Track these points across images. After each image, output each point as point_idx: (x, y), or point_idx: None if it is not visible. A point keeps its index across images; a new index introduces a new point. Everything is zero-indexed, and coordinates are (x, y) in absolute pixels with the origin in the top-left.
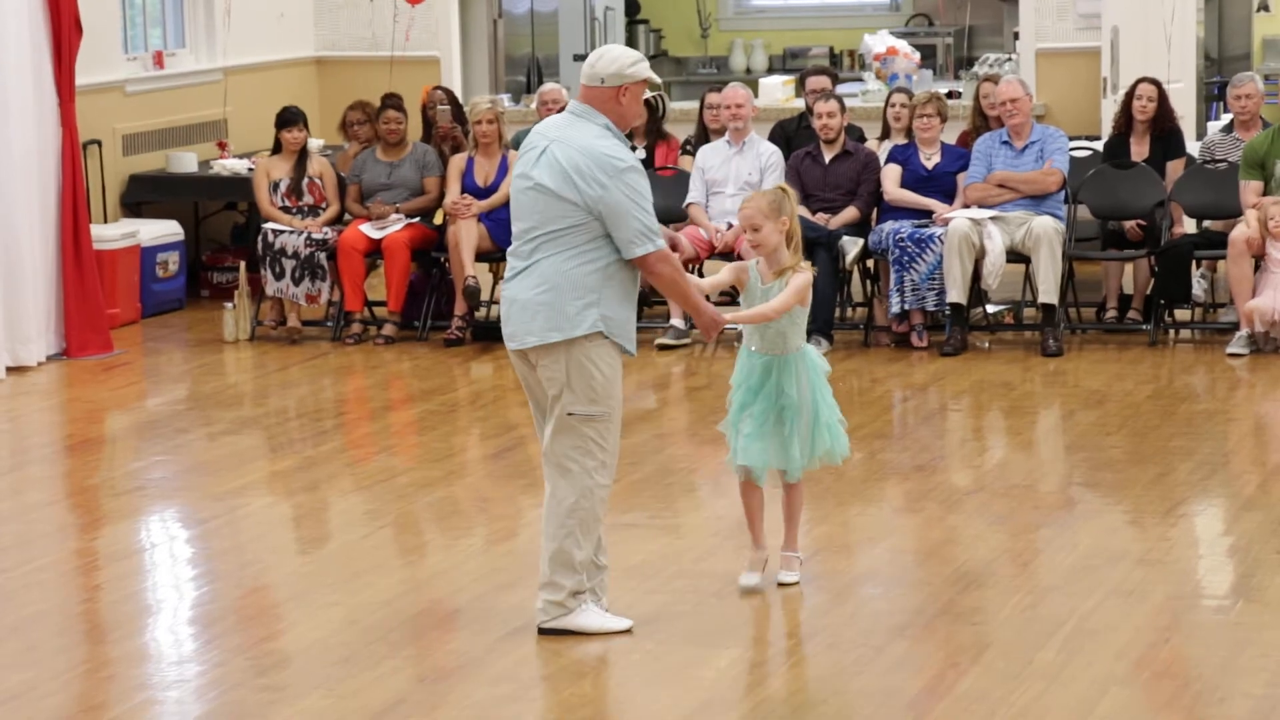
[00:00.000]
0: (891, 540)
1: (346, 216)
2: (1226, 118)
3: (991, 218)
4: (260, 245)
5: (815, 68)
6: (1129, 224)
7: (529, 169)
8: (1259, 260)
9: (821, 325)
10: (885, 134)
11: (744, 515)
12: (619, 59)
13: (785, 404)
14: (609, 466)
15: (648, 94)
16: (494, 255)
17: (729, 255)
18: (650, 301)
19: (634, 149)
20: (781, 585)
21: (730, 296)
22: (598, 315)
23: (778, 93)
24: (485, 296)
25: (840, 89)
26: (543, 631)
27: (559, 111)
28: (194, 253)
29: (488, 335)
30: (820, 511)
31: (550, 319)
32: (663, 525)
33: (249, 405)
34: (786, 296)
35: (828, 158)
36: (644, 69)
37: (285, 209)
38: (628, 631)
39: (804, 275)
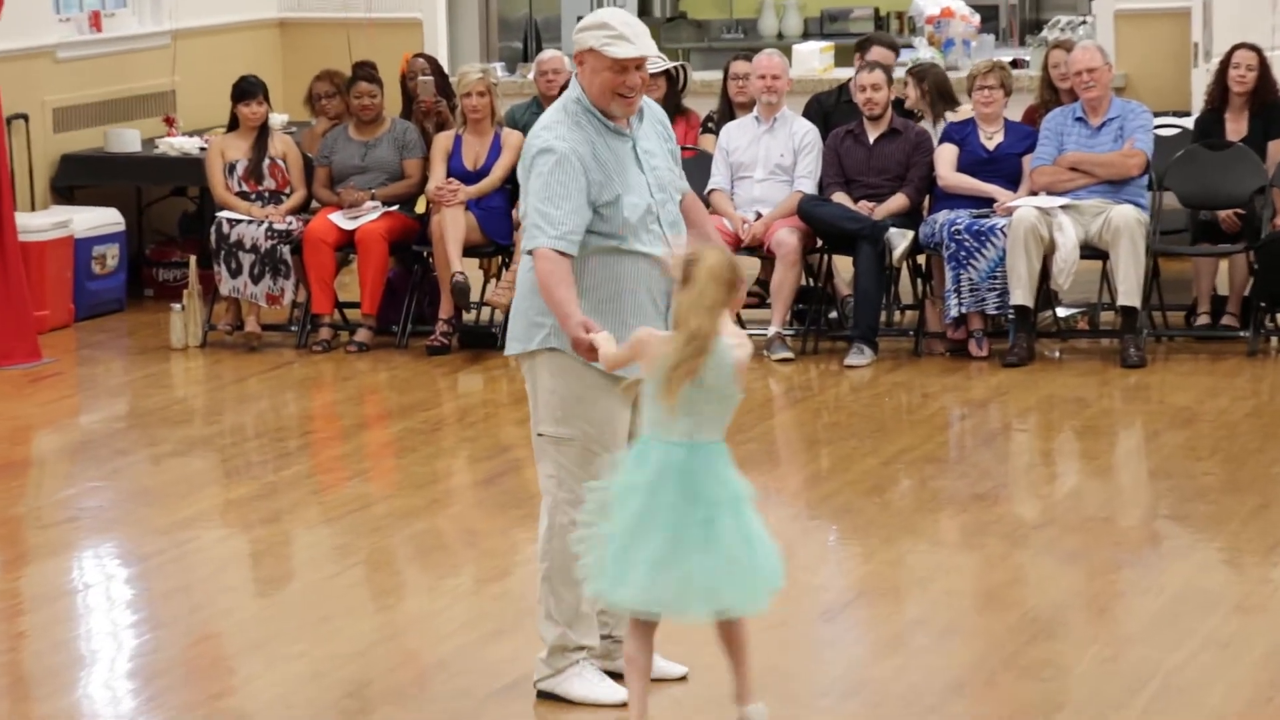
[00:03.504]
0: (946, 581)
1: (314, 204)
2: None
3: (1063, 206)
4: (214, 237)
5: (878, 36)
6: (1224, 214)
7: None
8: None
9: (865, 331)
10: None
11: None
12: (581, 23)
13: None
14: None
15: (657, 67)
16: (484, 249)
17: (757, 249)
18: None
19: (619, 130)
20: None
21: (760, 297)
22: (550, 329)
23: (814, 61)
24: (475, 297)
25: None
26: (539, 693)
27: (560, 83)
28: (136, 246)
29: (477, 342)
30: (864, 548)
31: (512, 325)
32: None
33: (200, 423)
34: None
35: (872, 137)
36: (594, 37)
37: (243, 195)
38: (622, 706)
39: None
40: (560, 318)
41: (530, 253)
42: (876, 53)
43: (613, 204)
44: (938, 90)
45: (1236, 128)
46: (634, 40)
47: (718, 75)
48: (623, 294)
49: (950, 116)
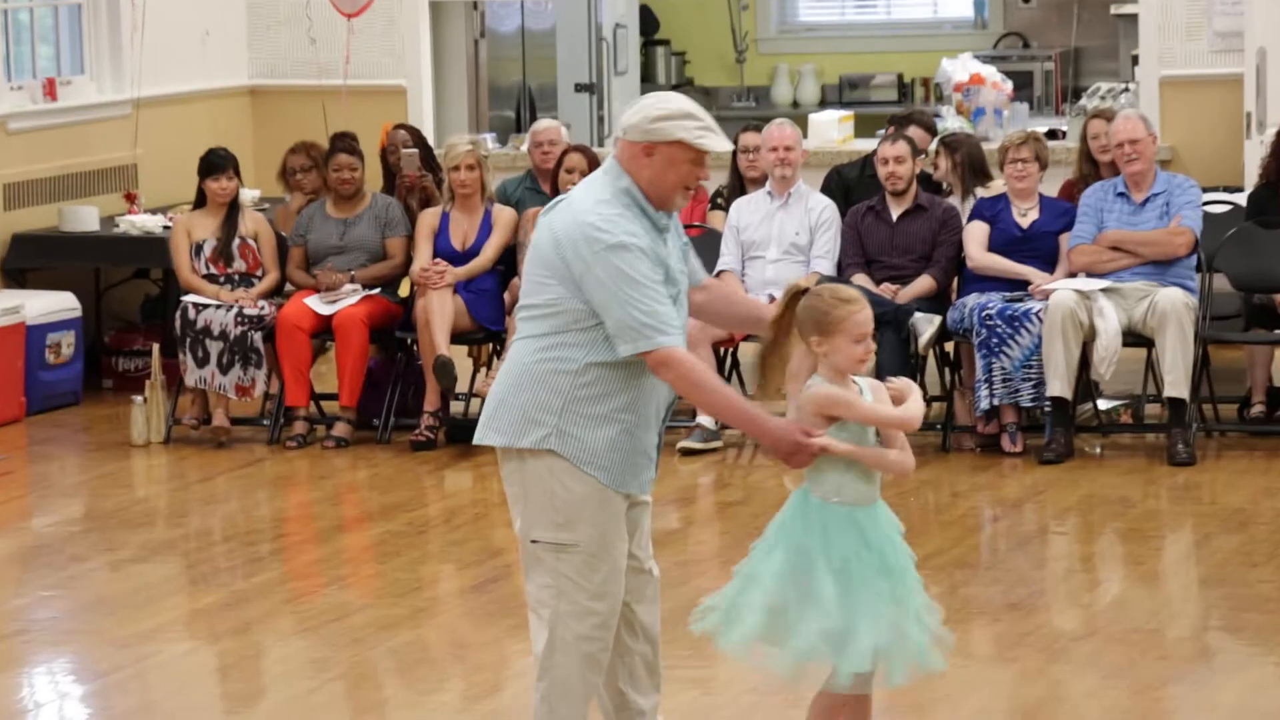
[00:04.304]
0: (979, 698)
1: (288, 287)
2: None
3: (1103, 290)
4: (179, 323)
5: (919, 116)
6: (1279, 297)
7: (540, 222)
8: None
9: None
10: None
11: None
12: (647, 108)
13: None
14: (595, 615)
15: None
16: (474, 336)
17: None
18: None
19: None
20: None
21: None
22: (551, 430)
23: (832, 131)
24: (464, 387)
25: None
26: None
27: (556, 155)
28: (94, 333)
29: (465, 436)
30: None
31: (496, 414)
32: (690, 676)
33: (163, 526)
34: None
35: (895, 214)
36: (683, 129)
37: (210, 277)
38: None
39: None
40: (748, 424)
41: (647, 355)
42: (914, 133)
43: (675, 300)
44: (971, 163)
45: None
46: (719, 131)
47: (727, 147)
48: (638, 405)
49: (981, 192)
